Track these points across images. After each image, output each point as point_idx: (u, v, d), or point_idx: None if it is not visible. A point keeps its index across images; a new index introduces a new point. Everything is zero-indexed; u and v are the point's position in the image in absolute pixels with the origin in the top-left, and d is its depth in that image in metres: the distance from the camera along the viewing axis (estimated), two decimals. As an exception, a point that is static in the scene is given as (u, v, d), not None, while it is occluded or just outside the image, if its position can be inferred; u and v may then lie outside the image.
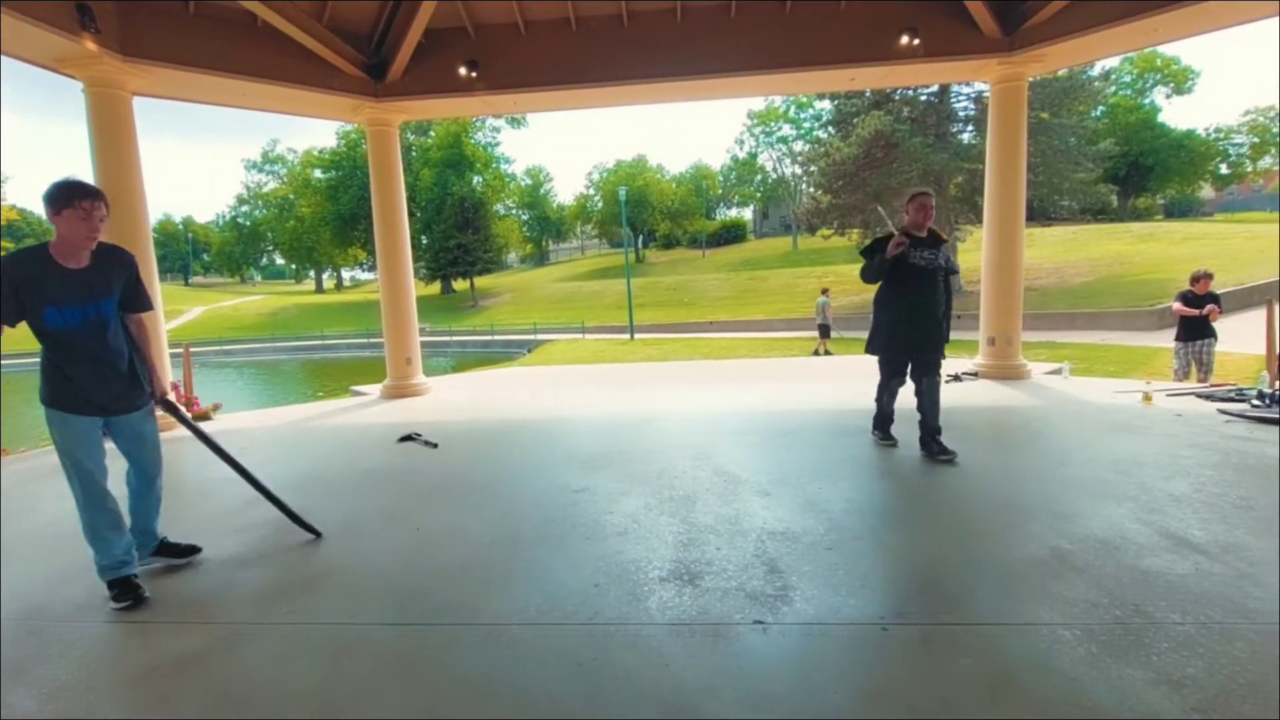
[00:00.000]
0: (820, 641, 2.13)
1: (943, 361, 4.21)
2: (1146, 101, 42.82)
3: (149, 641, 2.33)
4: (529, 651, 2.15)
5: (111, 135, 6.17)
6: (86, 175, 6.15)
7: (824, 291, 16.57)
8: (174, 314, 43.34)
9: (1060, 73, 21.12)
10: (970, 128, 24.32)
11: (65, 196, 2.46)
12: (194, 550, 3.05)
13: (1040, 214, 24.85)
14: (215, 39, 6.40)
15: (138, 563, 2.80)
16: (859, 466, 4.11)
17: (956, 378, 7.33)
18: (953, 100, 24.48)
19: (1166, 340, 8.66)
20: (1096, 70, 23.79)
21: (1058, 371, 7.72)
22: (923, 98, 24.33)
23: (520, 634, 2.26)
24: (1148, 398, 5.73)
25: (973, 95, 24.00)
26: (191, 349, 8.46)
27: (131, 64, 6.00)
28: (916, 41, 6.71)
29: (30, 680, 2.12)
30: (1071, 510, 3.18)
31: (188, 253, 72.28)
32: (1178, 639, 2.03)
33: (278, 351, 33.54)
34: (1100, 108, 31.17)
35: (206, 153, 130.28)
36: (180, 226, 73.22)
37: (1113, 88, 34.67)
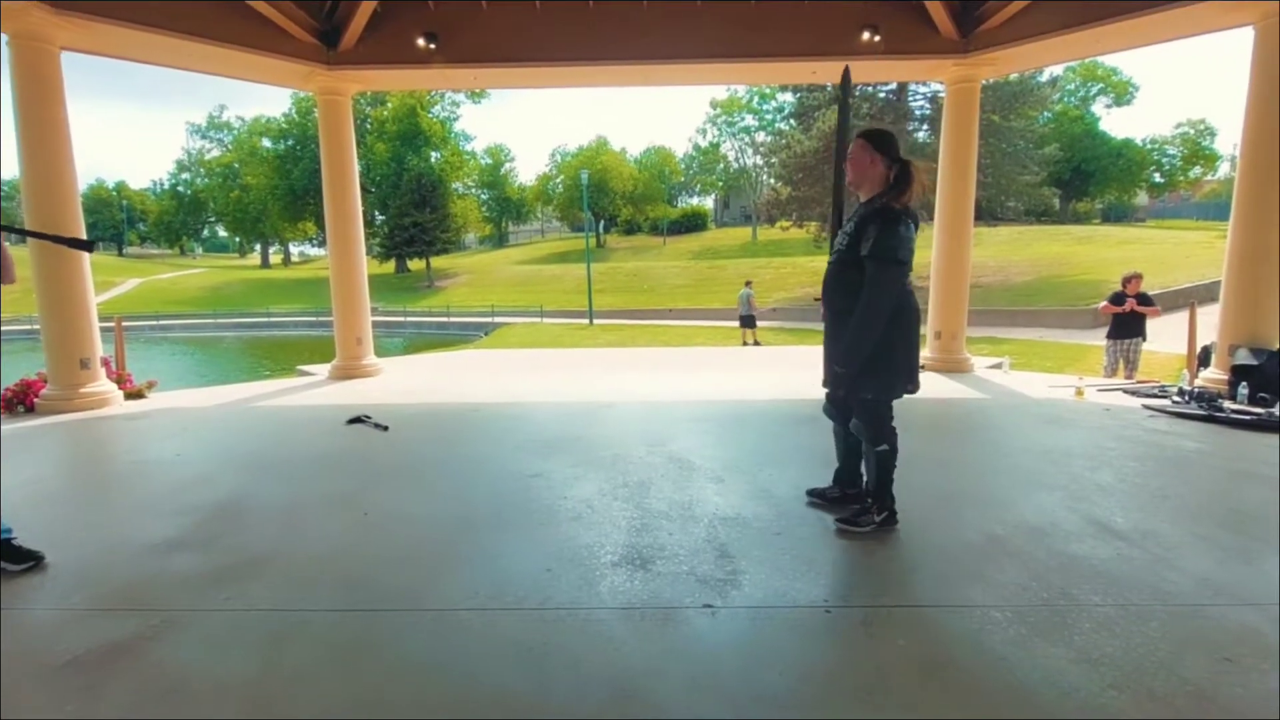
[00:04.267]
0: (766, 624, 2.18)
1: (861, 398, 2.78)
2: (1089, 110, 44.67)
3: (75, 629, 2.22)
4: (477, 638, 2.14)
5: (36, 92, 5.76)
6: (8, 134, 5.75)
7: (747, 284, 17.11)
8: (106, 285, 40.88)
9: (1011, 77, 21.82)
10: (925, 127, 24.96)
11: None
12: (36, 558, 2.67)
13: (988, 214, 25.75)
14: (154, -7, 6.01)
15: None
16: (808, 454, 4.20)
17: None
18: (910, 99, 25.05)
19: (1099, 338, 9.11)
20: (1045, 76, 24.69)
21: (998, 366, 8.04)
22: (881, 95, 24.82)
23: (469, 620, 2.24)
24: (1080, 392, 6.03)
25: (929, 95, 24.60)
26: (125, 323, 8.02)
27: (62, 16, 5.59)
28: (877, 38, 6.82)
29: (-61, 671, 1.99)
30: (1006, 498, 3.34)
31: (122, 221, 68.24)
32: (1098, 620, 2.16)
33: (220, 328, 32.14)
34: (1047, 114, 32.40)
35: (143, 116, 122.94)
36: (114, 192, 68.98)
37: (1059, 95, 36.03)
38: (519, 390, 6.94)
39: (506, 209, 61.25)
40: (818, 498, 3.27)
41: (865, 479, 2.98)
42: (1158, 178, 46.38)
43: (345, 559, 2.76)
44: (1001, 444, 4.49)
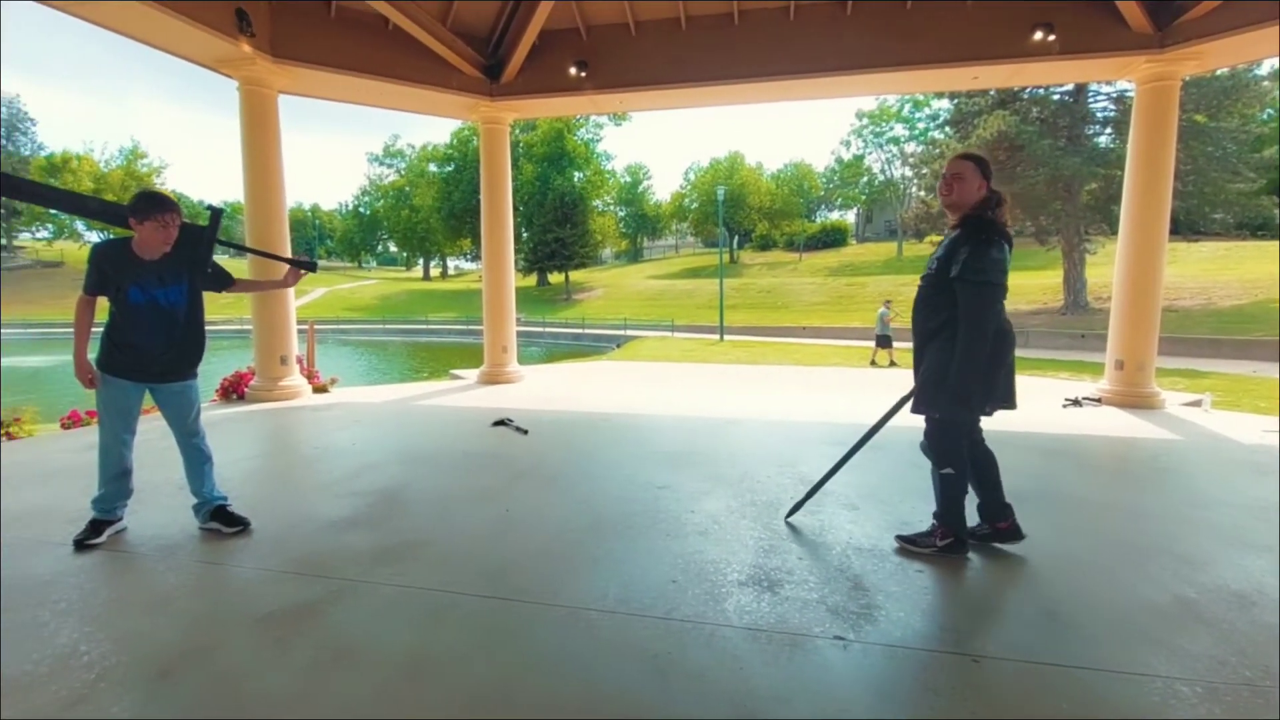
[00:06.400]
0: (904, 665, 2.05)
1: (933, 433, 2.82)
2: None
3: (271, 588, 2.59)
4: (606, 638, 2.21)
5: (259, 129, 6.84)
6: (237, 165, 6.87)
7: (885, 303, 16.23)
8: (301, 293, 47.38)
9: (1220, 71, 18.92)
10: (1109, 130, 22.30)
11: (148, 209, 2.87)
12: (244, 524, 3.16)
13: (1186, 227, 22.42)
14: (351, 41, 6.95)
15: (199, 525, 3.17)
16: (956, 488, 3.89)
17: (1076, 402, 6.77)
18: (1090, 100, 22.52)
19: (1336, 376, 7.59)
20: (1265, 69, 21.11)
21: (1197, 403, 6.95)
22: (1055, 97, 22.55)
23: (598, 620, 2.33)
24: (1307, 440, 5.06)
25: (1113, 95, 21.99)
26: (316, 326, 9.24)
27: (279, 65, 6.61)
28: (1052, 38, 6.24)
29: (173, 611, 2.41)
30: (1201, 556, 2.88)
31: (314, 237, 78.57)
32: (1325, 713, 1.80)
33: (388, 333, 35.93)
34: (1269, 110, 27.65)
35: (335, 146, 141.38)
36: (308, 213, 79.64)
37: (1286, 87, 30.55)
38: (649, 402, 7.08)
39: (642, 225, 62.90)
40: (970, 539, 3.01)
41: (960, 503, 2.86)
42: None
43: (489, 549, 2.98)
44: (1198, 493, 3.87)
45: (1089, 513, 3.48)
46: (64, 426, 5.81)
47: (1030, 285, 27.63)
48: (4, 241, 48.71)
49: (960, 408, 2.67)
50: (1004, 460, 4.40)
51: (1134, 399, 6.66)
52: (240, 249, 4.88)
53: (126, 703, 1.87)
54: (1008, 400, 2.74)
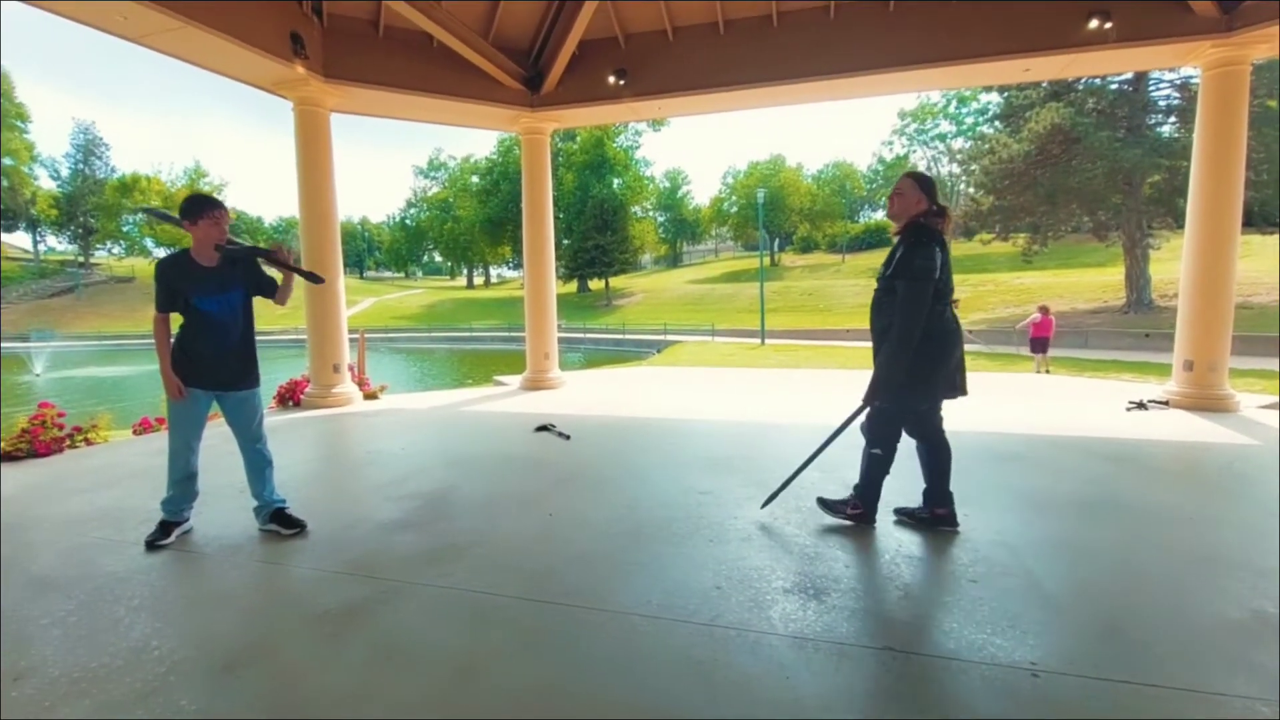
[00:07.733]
0: (957, 678, 1.99)
1: (871, 417, 3.13)
2: None
3: (326, 587, 2.68)
4: (650, 643, 2.21)
5: (313, 147, 7.12)
6: (293, 183, 7.16)
7: None
8: (351, 303, 48.76)
9: (1297, 52, 17.78)
10: (1173, 119, 21.20)
11: (200, 209, 3.07)
12: (301, 525, 3.27)
13: (1261, 219, 21.11)
14: (399, 59, 7.18)
15: (259, 526, 3.32)
16: (1012, 495, 3.75)
17: (1140, 405, 6.45)
18: (1150, 88, 21.48)
19: None
20: (1348, 47, 19.75)
21: (1275, 406, 6.53)
22: (1113, 87, 21.58)
23: (642, 625, 2.33)
24: (1403, 444, 4.69)
25: (1177, 82, 20.92)
26: (366, 335, 9.53)
27: (331, 84, 6.87)
28: (1108, 25, 5.99)
29: (236, 609, 2.52)
30: (1285, 570, 2.70)
31: (363, 249, 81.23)
32: None
33: (433, 341, 36.78)
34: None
35: (383, 160, 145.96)
36: (358, 226, 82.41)
37: (1372, 67, 28.52)
38: (689, 407, 7.05)
39: (682, 229, 62.88)
40: (906, 516, 3.31)
41: (927, 495, 3.18)
42: None
43: (533, 553, 3.01)
44: (1277, 502, 3.64)
45: (1156, 522, 3.31)
46: (135, 433, 6.14)
47: (1088, 283, 26.49)
48: (82, 259, 51.91)
49: (895, 392, 2.94)
50: (1063, 465, 4.24)
51: (1205, 401, 6.30)
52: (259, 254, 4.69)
53: (194, 694, 1.96)
54: (957, 389, 3.02)
